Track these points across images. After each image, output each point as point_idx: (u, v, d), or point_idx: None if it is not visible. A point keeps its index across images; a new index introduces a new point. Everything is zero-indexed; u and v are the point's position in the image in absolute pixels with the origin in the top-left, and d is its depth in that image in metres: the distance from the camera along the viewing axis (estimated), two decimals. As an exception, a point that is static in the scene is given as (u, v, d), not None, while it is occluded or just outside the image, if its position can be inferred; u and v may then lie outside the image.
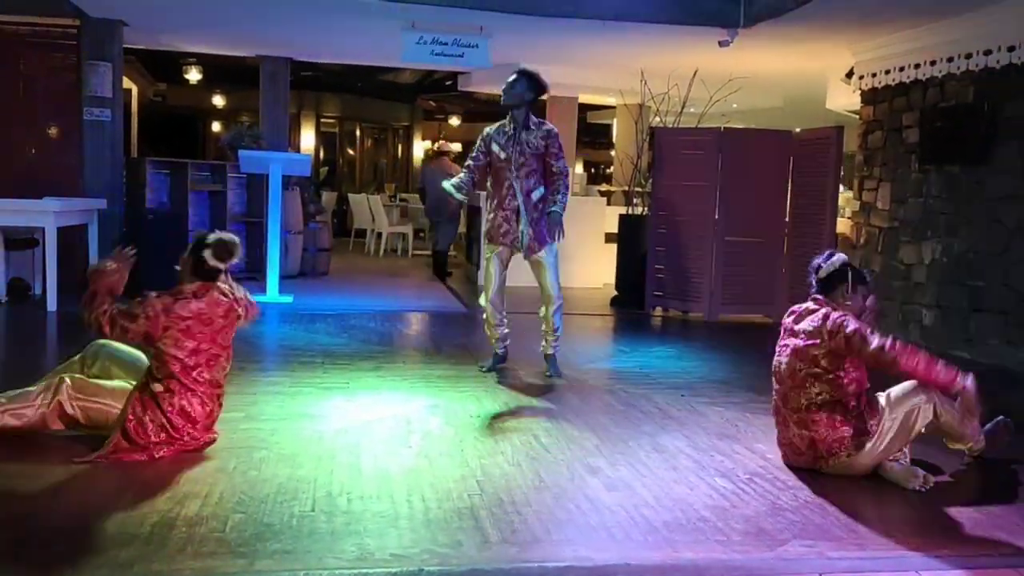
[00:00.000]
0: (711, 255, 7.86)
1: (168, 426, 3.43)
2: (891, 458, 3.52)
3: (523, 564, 2.62)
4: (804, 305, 3.63)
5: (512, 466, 3.51)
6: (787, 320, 3.69)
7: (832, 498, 3.27)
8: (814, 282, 3.65)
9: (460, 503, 3.07)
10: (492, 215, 5.20)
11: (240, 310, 3.66)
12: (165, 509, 2.89)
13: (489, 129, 5.25)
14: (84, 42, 8.13)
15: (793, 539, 2.88)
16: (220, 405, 3.68)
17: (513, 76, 5.14)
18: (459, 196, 5.18)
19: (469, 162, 5.26)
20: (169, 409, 3.44)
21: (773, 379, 3.68)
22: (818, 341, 3.46)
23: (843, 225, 8.40)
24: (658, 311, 8.26)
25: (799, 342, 3.52)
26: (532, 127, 5.12)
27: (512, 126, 5.14)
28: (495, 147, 5.16)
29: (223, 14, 8.25)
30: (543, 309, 5.27)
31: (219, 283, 3.62)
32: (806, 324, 3.53)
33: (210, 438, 3.61)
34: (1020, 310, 6.01)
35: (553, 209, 5.09)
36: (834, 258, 3.63)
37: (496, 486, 3.26)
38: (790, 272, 7.61)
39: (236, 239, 3.66)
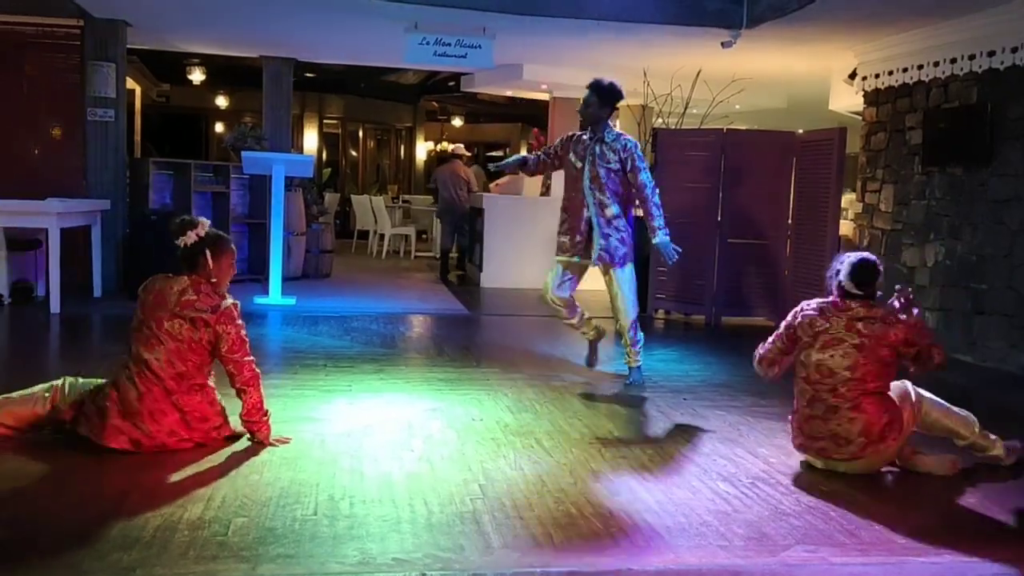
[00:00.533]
0: (713, 257, 7.84)
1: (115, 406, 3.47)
2: (916, 450, 3.68)
3: (525, 569, 2.61)
4: (870, 311, 3.62)
5: (514, 470, 3.50)
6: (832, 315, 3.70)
7: (835, 503, 3.27)
8: (860, 294, 3.65)
9: (462, 507, 3.06)
10: (564, 225, 5.18)
11: (208, 317, 3.55)
12: (167, 512, 2.89)
13: (574, 133, 5.22)
14: (87, 42, 8.13)
15: (796, 544, 2.88)
16: (179, 411, 3.50)
17: (585, 92, 5.05)
18: (511, 164, 5.35)
19: (540, 152, 5.37)
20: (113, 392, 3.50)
21: (815, 374, 3.62)
22: (909, 351, 3.61)
23: (846, 227, 8.39)
24: (660, 314, 8.26)
25: (885, 351, 3.56)
26: (608, 140, 5.01)
27: (590, 136, 5.08)
28: (572, 155, 5.11)
29: (226, 14, 8.26)
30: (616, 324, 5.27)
31: (201, 281, 3.61)
32: (889, 332, 3.56)
33: (158, 440, 3.49)
34: (1023, 313, 6.00)
35: (656, 241, 5.00)
36: (867, 265, 3.65)
37: (498, 490, 3.26)
38: (793, 274, 7.60)
39: (193, 217, 3.75)
